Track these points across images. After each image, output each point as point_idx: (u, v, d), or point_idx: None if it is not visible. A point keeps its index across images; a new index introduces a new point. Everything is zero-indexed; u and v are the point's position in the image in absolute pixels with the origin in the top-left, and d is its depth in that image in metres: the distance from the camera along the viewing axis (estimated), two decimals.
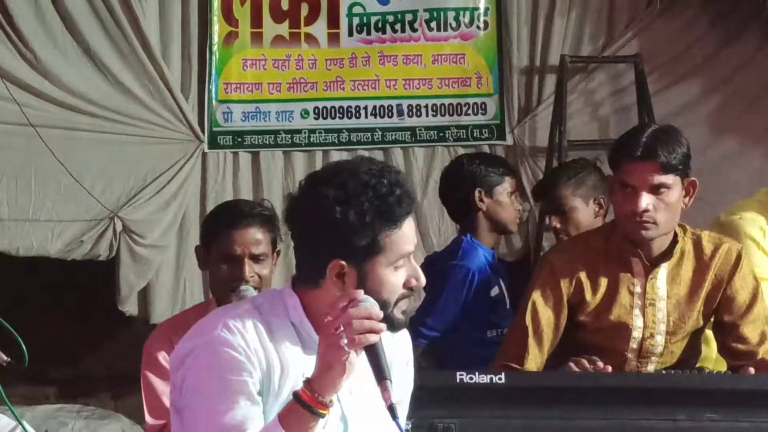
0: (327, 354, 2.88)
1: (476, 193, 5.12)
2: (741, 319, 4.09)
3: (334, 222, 2.91)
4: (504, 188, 5.20)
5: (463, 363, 4.66)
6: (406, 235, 3.00)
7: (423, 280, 3.04)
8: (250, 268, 4.04)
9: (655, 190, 3.90)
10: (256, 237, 4.07)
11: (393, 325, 3.02)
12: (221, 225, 4.10)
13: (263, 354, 2.97)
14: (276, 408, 2.97)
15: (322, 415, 2.89)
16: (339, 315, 2.86)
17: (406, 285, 3.02)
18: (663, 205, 3.93)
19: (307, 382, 2.90)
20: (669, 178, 3.91)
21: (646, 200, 3.90)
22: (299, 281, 3.04)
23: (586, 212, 5.08)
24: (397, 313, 3.02)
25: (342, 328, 2.85)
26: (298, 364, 3.01)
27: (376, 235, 2.95)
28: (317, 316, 3.00)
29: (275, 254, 4.19)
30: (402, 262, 3.00)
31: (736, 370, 4.03)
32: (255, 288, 4.03)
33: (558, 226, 5.11)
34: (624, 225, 4.00)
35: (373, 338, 2.86)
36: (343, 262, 2.95)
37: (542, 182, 5.80)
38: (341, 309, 2.87)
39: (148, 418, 4.10)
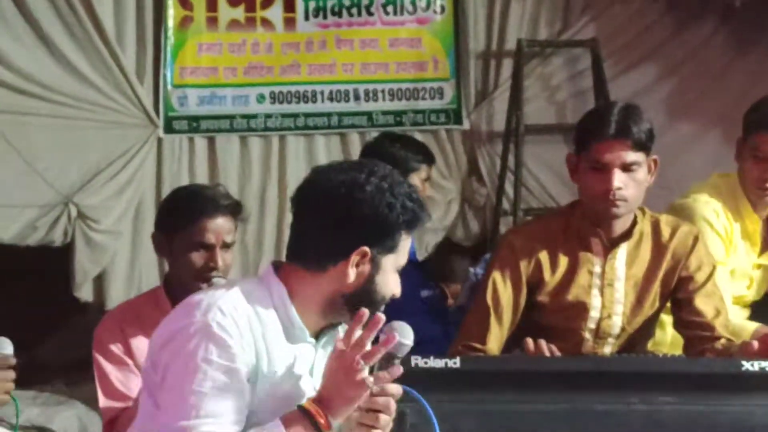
0: (349, 387, 2.91)
1: None
2: (696, 294, 4.14)
3: (380, 212, 2.99)
4: (419, 175, 5.23)
5: None
6: (408, 244, 3.08)
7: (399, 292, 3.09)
8: (221, 257, 4.05)
9: (627, 167, 3.95)
10: (227, 225, 4.08)
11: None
12: (192, 212, 4.07)
13: (253, 341, 2.97)
14: (260, 396, 2.97)
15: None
16: (361, 348, 2.90)
17: (394, 292, 3.08)
18: (633, 182, 3.98)
19: (319, 401, 2.92)
20: (639, 156, 3.96)
21: (619, 178, 3.94)
22: (298, 262, 3.04)
23: None
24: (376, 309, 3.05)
25: (363, 363, 2.89)
26: (283, 353, 3.02)
27: (398, 234, 3.03)
28: (304, 301, 3.03)
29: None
30: (400, 267, 3.08)
31: (694, 344, 4.09)
32: (220, 277, 4.05)
33: None
34: (594, 203, 4.02)
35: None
36: (368, 252, 3.00)
37: None
38: (361, 339, 2.91)
39: (102, 401, 4.08)
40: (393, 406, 2.98)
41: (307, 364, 3.08)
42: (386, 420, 2.99)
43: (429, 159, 5.41)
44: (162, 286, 4.19)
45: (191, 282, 4.01)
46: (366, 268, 3.01)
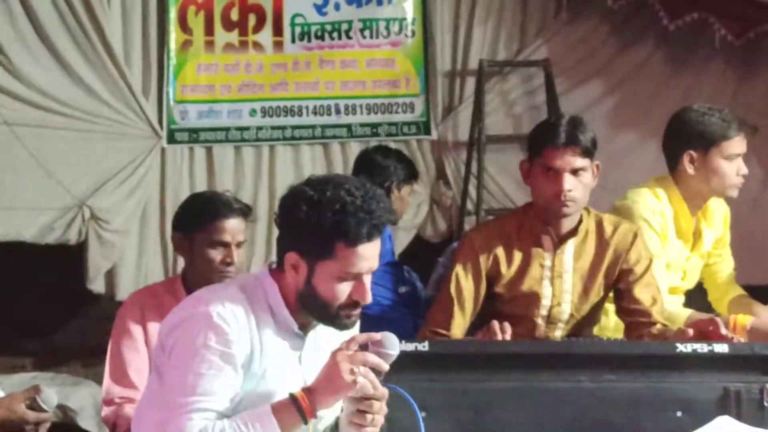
0: (339, 383, 2.91)
1: (394, 186, 5.20)
2: (635, 284, 4.16)
3: (298, 220, 2.94)
4: (409, 189, 5.30)
5: None
6: (360, 256, 2.98)
7: (367, 299, 3.02)
8: (235, 253, 4.09)
9: (575, 172, 3.97)
10: (240, 226, 4.13)
11: (337, 326, 3.06)
12: (211, 214, 4.12)
13: (248, 333, 2.98)
14: (252, 385, 2.98)
15: (307, 423, 2.92)
16: (355, 353, 2.92)
17: (350, 298, 3.01)
18: (581, 185, 4.00)
19: (308, 391, 2.93)
20: (586, 162, 3.98)
21: (569, 181, 3.96)
22: (277, 267, 3.06)
23: None
24: (342, 318, 3.03)
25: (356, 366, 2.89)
26: (275, 345, 3.03)
27: (331, 243, 2.95)
28: (286, 297, 3.03)
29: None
30: (349, 276, 2.99)
31: (634, 329, 4.10)
32: (233, 273, 4.08)
33: None
34: (547, 204, 4.04)
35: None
36: (297, 256, 2.97)
37: None
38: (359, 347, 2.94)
39: (107, 382, 4.08)
40: (379, 406, 2.96)
41: (295, 353, 3.09)
42: (377, 419, 2.97)
43: (416, 174, 5.61)
44: (180, 278, 4.20)
45: (210, 276, 4.05)
46: (301, 271, 2.98)
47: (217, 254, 4.08)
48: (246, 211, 4.18)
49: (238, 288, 3.05)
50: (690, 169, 4.47)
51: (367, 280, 3.02)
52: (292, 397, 2.93)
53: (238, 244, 4.12)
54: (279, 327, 3.05)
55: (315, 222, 2.93)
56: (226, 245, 4.08)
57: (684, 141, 4.49)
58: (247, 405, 2.97)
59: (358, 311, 3.06)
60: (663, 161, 4.74)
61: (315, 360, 3.08)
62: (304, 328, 3.11)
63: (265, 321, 3.03)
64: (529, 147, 4.10)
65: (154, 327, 3.98)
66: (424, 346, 3.45)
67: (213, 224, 4.09)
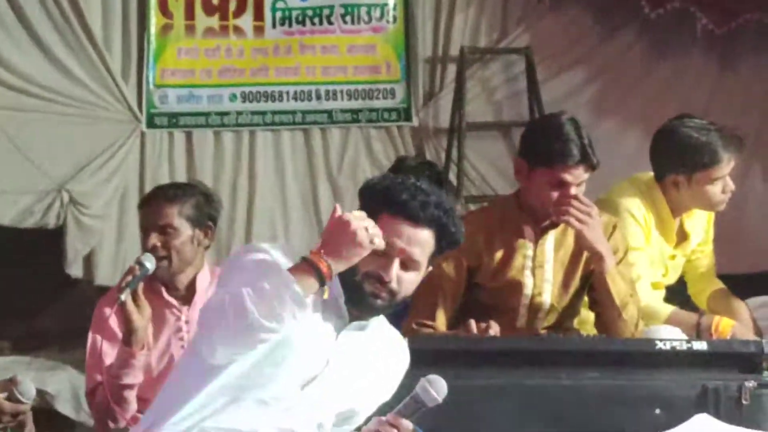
0: (348, 245, 2.91)
1: None
2: None
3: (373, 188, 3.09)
4: None
5: None
6: (398, 231, 3.00)
7: (389, 277, 3.01)
8: (154, 239, 4.07)
9: (580, 184, 3.99)
10: (161, 211, 4.10)
11: (362, 300, 3.05)
12: (139, 203, 4.27)
13: None
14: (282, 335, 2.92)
15: (323, 281, 2.89)
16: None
17: (376, 271, 3.00)
18: (581, 191, 4.02)
19: (320, 251, 2.91)
20: (590, 173, 3.98)
21: (574, 192, 3.97)
22: None
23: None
24: (366, 288, 3.02)
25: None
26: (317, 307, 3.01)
27: (376, 212, 2.99)
28: None
29: (203, 229, 4.16)
30: (384, 249, 2.97)
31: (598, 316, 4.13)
32: (163, 257, 4.02)
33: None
34: (546, 210, 4.04)
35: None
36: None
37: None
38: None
39: (87, 376, 4.07)
40: None
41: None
42: None
43: None
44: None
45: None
46: None
47: (147, 241, 4.09)
48: (174, 195, 4.14)
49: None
50: (675, 190, 4.45)
51: (396, 263, 3.00)
52: (305, 260, 2.91)
53: (160, 229, 4.08)
54: (330, 306, 3.05)
55: (380, 190, 3.07)
56: (144, 231, 4.10)
57: (670, 163, 4.46)
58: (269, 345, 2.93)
59: (383, 291, 3.03)
60: (644, 148, 4.73)
61: (355, 346, 3.08)
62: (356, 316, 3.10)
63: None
64: (534, 154, 4.05)
65: None
66: None
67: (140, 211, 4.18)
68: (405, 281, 3.05)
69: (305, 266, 2.90)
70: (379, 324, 3.17)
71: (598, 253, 3.99)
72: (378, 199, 3.03)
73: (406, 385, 3.10)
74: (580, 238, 4.01)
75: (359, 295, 3.04)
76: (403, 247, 3.01)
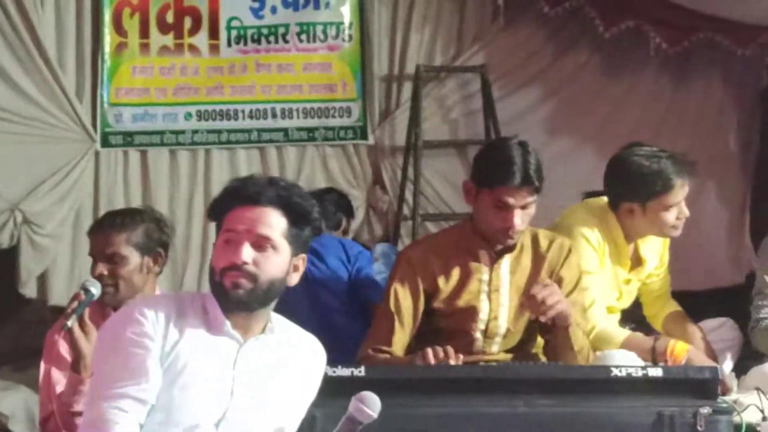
0: None
1: None
2: None
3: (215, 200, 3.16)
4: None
5: None
6: (239, 216, 3.03)
7: (240, 258, 3.00)
8: (101, 268, 4.01)
9: (525, 207, 3.96)
10: (108, 240, 4.03)
11: (224, 299, 3.05)
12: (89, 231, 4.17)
13: (166, 328, 2.98)
14: (171, 378, 2.95)
15: None
16: None
17: (228, 259, 3.01)
18: (527, 216, 4.03)
19: None
20: (535, 197, 3.98)
21: (518, 217, 3.96)
22: None
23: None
24: (227, 281, 3.01)
25: None
26: (202, 344, 3.01)
27: (224, 214, 3.07)
28: None
29: (152, 256, 4.12)
30: (232, 238, 3.02)
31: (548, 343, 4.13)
32: (110, 285, 3.99)
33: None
34: (493, 234, 4.04)
35: None
36: None
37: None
38: None
39: (41, 405, 4.03)
40: None
41: (229, 355, 3.04)
42: None
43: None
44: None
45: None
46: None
47: (95, 270, 4.04)
48: (121, 222, 4.08)
49: (174, 295, 3.21)
50: (630, 217, 4.47)
51: (246, 245, 3.00)
52: None
53: (107, 258, 4.02)
54: (211, 327, 3.03)
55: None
56: (104, 260, 4.04)
57: (623, 192, 4.46)
58: (165, 397, 2.94)
59: (241, 277, 3.00)
60: (598, 166, 4.74)
61: (256, 365, 3.05)
62: (245, 331, 3.07)
63: (194, 319, 3.03)
64: (479, 176, 4.06)
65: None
66: (360, 372, 3.43)
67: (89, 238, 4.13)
68: (263, 261, 3.01)
69: None
70: (276, 328, 3.14)
71: (568, 316, 4.00)
72: (222, 204, 3.07)
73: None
74: (563, 318, 3.98)
75: (224, 296, 3.02)
76: (246, 227, 3.00)
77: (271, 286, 3.03)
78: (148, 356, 2.94)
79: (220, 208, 3.08)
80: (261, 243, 3.02)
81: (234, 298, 3.01)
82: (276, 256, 3.04)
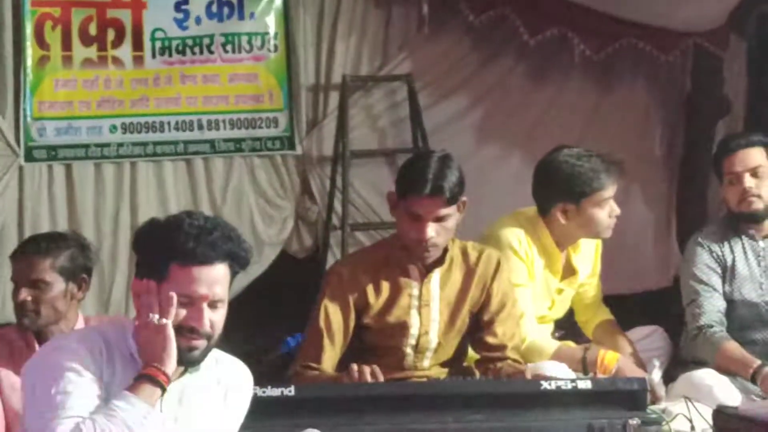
0: (154, 341, 2.92)
1: None
2: (495, 317, 4.17)
3: (145, 244, 3.04)
4: None
5: None
6: (195, 278, 2.95)
7: (203, 326, 2.98)
8: (24, 294, 3.98)
9: (439, 219, 3.94)
10: (32, 265, 3.99)
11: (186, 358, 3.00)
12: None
13: (101, 366, 2.95)
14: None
15: (163, 387, 2.90)
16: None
17: (187, 322, 2.96)
18: (444, 230, 3.99)
19: (144, 367, 2.92)
20: (451, 209, 3.97)
21: (431, 229, 3.96)
22: None
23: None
24: (182, 343, 2.97)
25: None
26: (127, 375, 2.97)
27: (165, 264, 2.96)
28: None
29: (77, 282, 4.06)
30: (187, 300, 2.96)
31: (485, 362, 4.12)
32: (32, 311, 3.93)
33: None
34: (409, 246, 4.02)
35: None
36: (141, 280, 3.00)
37: None
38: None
39: None
40: None
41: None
42: None
43: None
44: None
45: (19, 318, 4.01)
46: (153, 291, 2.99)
47: (18, 296, 4.01)
48: (46, 247, 4.04)
49: (97, 328, 3.07)
50: (562, 220, 4.48)
51: (205, 309, 2.97)
52: (143, 376, 2.90)
53: (32, 283, 3.98)
54: (137, 365, 3.00)
55: (154, 246, 2.99)
56: (28, 286, 3.99)
57: (554, 194, 4.48)
58: None
59: (199, 339, 2.99)
60: (526, 172, 4.76)
61: (182, 402, 3.03)
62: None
63: (121, 360, 3.00)
64: (397, 186, 4.06)
65: (5, 373, 3.86)
66: (290, 391, 3.42)
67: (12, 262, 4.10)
68: (216, 321, 3.02)
69: (144, 382, 2.90)
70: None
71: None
72: (164, 253, 2.97)
73: None
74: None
75: (179, 356, 2.98)
76: (206, 293, 2.98)
77: (217, 339, 3.06)
78: (94, 385, 2.91)
79: (163, 258, 2.98)
80: (216, 304, 3.01)
81: (188, 360, 3.01)
82: (223, 309, 3.05)
